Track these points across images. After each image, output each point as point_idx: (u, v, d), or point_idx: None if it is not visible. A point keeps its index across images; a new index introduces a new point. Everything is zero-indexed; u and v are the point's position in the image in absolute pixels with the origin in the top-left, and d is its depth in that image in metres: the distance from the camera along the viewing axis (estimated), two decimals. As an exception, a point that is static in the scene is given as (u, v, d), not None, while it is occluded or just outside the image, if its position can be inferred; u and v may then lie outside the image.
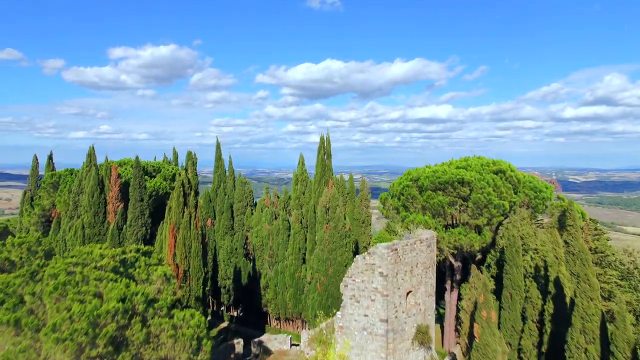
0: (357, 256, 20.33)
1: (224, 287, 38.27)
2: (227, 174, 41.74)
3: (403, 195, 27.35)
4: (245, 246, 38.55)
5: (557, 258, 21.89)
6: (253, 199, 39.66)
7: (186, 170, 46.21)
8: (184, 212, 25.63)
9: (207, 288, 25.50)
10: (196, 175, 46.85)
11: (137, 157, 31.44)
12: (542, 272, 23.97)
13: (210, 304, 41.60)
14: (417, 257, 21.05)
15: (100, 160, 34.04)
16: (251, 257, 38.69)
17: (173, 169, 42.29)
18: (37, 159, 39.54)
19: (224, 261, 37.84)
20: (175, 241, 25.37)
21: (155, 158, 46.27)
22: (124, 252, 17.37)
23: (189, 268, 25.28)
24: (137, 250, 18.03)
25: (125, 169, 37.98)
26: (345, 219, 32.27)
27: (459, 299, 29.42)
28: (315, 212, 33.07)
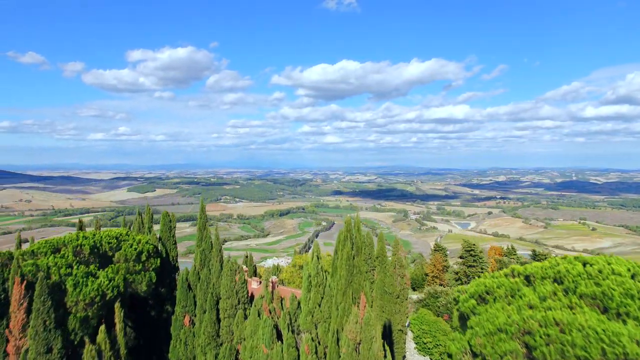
0: None
1: None
2: (212, 250, 29.81)
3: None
4: (236, 365, 26.61)
5: None
6: (246, 293, 27.56)
7: (163, 258, 34.44)
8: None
9: None
10: (174, 244, 35.14)
11: (43, 275, 19.15)
12: None
13: None
14: None
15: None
16: (244, 381, 26.72)
17: (140, 240, 30.47)
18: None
19: (204, 388, 25.94)
20: None
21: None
22: None
23: None
24: None
25: (64, 254, 26.35)
26: (385, 357, 20.09)
27: None
28: (338, 344, 20.90)
